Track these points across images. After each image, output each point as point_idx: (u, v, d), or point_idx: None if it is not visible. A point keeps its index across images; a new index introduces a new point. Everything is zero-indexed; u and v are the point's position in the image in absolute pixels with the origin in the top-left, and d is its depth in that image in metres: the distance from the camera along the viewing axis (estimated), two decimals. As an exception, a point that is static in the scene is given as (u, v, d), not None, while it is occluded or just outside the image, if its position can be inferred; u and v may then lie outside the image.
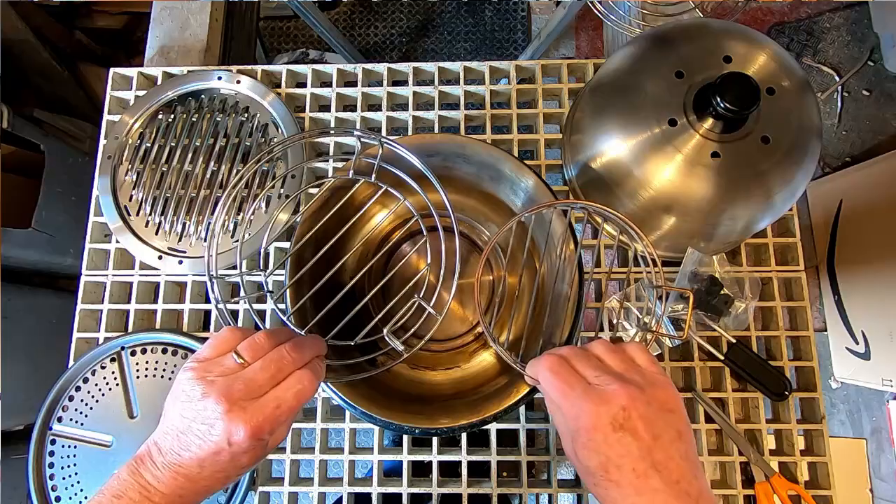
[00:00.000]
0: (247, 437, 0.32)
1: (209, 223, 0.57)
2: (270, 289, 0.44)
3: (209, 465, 0.32)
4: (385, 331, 0.41)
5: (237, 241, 0.57)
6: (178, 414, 0.33)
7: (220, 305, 0.43)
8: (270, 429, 0.33)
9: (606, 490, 0.31)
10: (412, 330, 0.42)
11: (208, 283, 0.43)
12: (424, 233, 0.43)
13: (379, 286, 0.44)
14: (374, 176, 0.44)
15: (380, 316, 0.43)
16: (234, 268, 0.57)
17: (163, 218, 0.58)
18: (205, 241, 0.57)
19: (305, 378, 0.34)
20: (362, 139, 0.45)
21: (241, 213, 0.57)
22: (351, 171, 0.45)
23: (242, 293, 0.44)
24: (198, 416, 0.32)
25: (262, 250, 0.45)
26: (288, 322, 0.42)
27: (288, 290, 0.44)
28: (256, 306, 0.57)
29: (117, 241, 0.59)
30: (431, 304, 0.42)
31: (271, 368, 0.34)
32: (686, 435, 0.32)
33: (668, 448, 0.31)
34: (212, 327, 0.57)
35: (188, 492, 0.32)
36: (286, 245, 0.58)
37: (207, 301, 0.58)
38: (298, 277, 0.44)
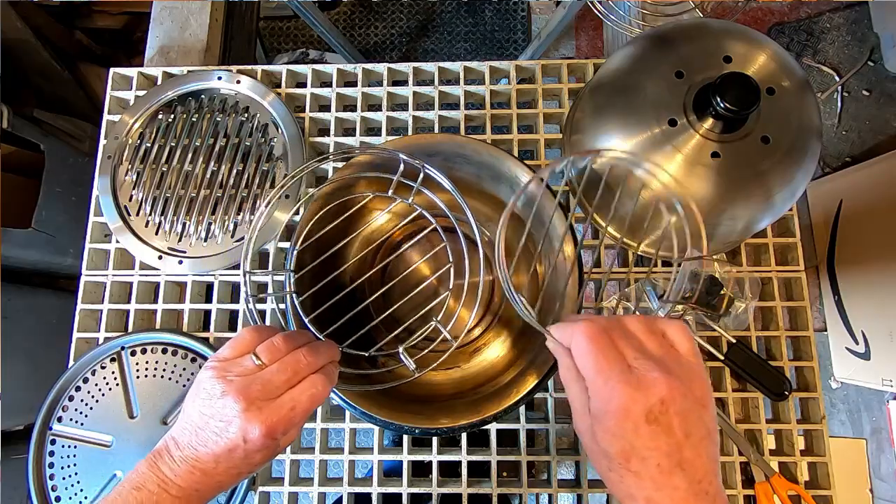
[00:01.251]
0: (261, 436, 0.33)
1: (209, 223, 0.57)
2: (295, 289, 0.44)
3: (224, 460, 0.33)
4: (401, 349, 0.42)
5: (237, 241, 0.57)
6: (198, 411, 0.34)
7: (251, 306, 0.43)
8: (284, 429, 0.34)
9: (622, 478, 0.30)
10: (425, 351, 0.42)
11: (242, 279, 0.43)
12: (450, 259, 0.43)
13: (400, 304, 0.44)
14: (411, 198, 0.45)
15: (395, 333, 0.43)
16: (236, 267, 0.58)
17: (163, 218, 0.58)
18: (205, 241, 0.57)
19: (319, 382, 0.36)
20: (406, 162, 0.46)
21: (249, 214, 0.57)
22: (391, 190, 0.46)
23: (270, 290, 0.44)
24: (216, 414, 0.33)
25: (293, 251, 0.45)
26: (310, 326, 0.42)
27: (306, 295, 0.44)
28: (264, 305, 0.57)
29: (117, 241, 0.59)
30: (448, 329, 0.42)
31: (287, 371, 0.35)
32: (714, 433, 0.31)
33: (698, 446, 0.29)
34: (212, 326, 0.57)
35: (203, 486, 0.34)
36: (286, 245, 0.58)
37: (208, 301, 0.58)
38: (309, 282, 0.44)
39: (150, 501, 0.33)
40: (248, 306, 0.43)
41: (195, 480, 0.33)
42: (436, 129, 0.62)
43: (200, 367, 0.54)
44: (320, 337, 0.41)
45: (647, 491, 0.29)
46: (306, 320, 0.42)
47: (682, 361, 0.32)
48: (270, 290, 0.44)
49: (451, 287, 0.44)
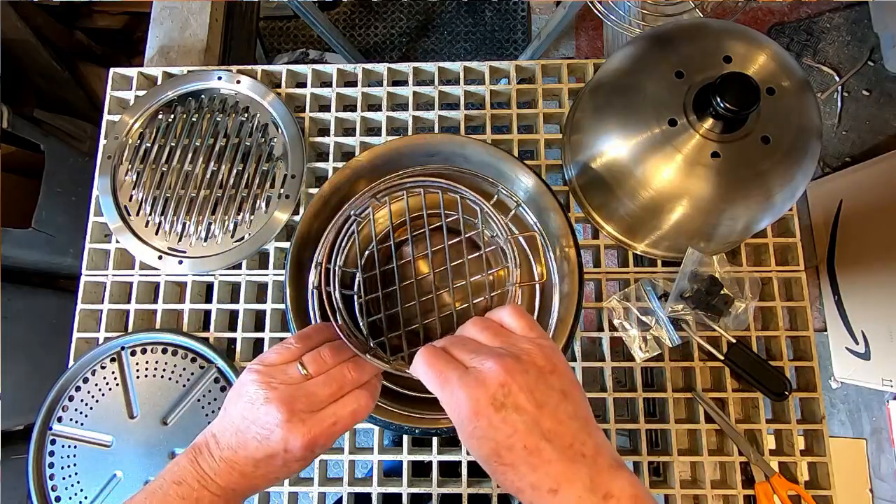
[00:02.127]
0: (301, 448, 0.33)
1: (209, 223, 0.58)
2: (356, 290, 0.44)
3: (263, 466, 0.34)
4: None
5: (237, 241, 0.57)
6: (240, 414, 0.34)
7: (336, 294, 0.41)
8: (324, 442, 0.34)
9: (504, 475, 0.29)
10: None
11: (321, 270, 0.42)
12: (508, 262, 0.42)
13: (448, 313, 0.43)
14: (506, 237, 0.44)
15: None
16: (236, 267, 0.58)
17: (163, 218, 0.58)
18: (205, 241, 0.57)
19: (362, 398, 0.36)
20: (501, 194, 0.46)
21: (249, 215, 0.57)
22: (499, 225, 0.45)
23: (337, 285, 0.42)
24: (258, 420, 0.33)
25: (371, 249, 0.45)
26: (364, 329, 0.42)
27: (371, 297, 0.44)
28: (264, 305, 0.57)
29: (117, 241, 0.59)
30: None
31: (333, 385, 0.35)
32: (571, 393, 0.30)
33: (556, 412, 0.29)
34: (212, 326, 0.57)
35: (241, 486, 0.34)
36: (286, 245, 0.58)
37: (208, 301, 0.58)
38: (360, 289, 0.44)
39: (190, 497, 0.33)
40: (335, 294, 0.41)
41: (233, 480, 0.34)
42: (436, 129, 0.62)
43: (200, 368, 0.54)
44: (367, 358, 0.40)
45: (527, 477, 0.28)
46: (362, 323, 0.42)
47: (518, 340, 0.32)
48: (338, 283, 0.43)
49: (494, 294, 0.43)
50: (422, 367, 0.32)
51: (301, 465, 0.35)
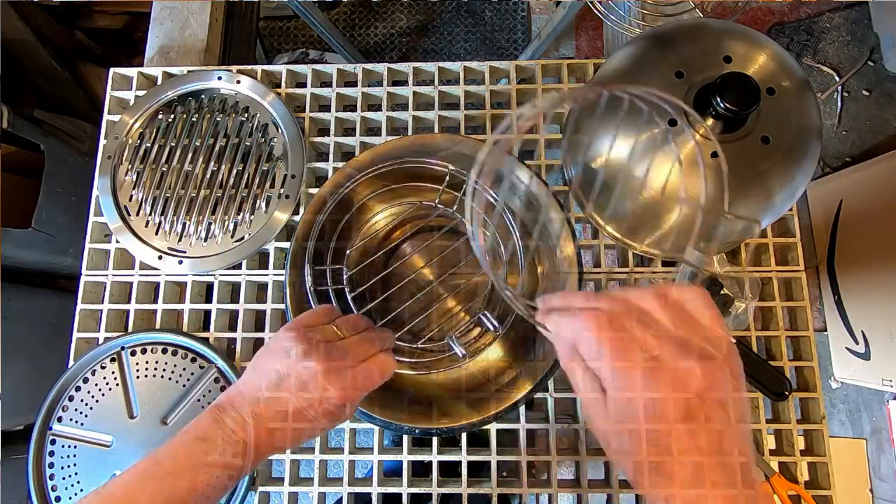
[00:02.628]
0: (337, 399, 0.34)
1: (209, 223, 0.58)
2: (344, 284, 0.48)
3: (293, 419, 0.34)
4: (453, 337, 0.45)
5: (237, 241, 0.57)
6: (274, 368, 0.35)
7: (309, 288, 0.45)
8: (355, 397, 0.36)
9: (653, 482, 0.26)
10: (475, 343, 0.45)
11: (287, 273, 0.47)
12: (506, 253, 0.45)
13: (448, 293, 0.46)
14: (454, 207, 0.48)
15: (440, 324, 0.46)
16: (236, 267, 0.58)
17: (163, 218, 0.58)
18: (205, 241, 0.57)
19: (388, 360, 0.38)
20: (454, 173, 0.48)
21: (249, 215, 0.57)
22: (436, 200, 0.49)
23: (329, 282, 0.47)
24: (295, 373, 0.34)
25: (351, 249, 0.49)
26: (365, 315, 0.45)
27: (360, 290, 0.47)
28: (263, 305, 0.57)
29: (117, 241, 0.59)
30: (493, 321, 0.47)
31: (364, 345, 0.38)
32: (748, 413, 0.29)
33: (735, 432, 0.25)
34: (212, 326, 0.57)
35: (265, 443, 0.34)
36: (286, 245, 0.58)
37: (208, 301, 0.58)
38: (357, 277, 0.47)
39: (214, 452, 0.33)
40: (311, 289, 0.46)
41: (258, 436, 0.34)
42: (436, 129, 0.62)
43: (200, 368, 0.54)
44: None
45: (673, 489, 0.25)
46: (357, 314, 0.45)
47: (710, 337, 0.27)
48: (329, 282, 0.45)
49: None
50: (589, 338, 0.27)
51: (329, 422, 0.35)
